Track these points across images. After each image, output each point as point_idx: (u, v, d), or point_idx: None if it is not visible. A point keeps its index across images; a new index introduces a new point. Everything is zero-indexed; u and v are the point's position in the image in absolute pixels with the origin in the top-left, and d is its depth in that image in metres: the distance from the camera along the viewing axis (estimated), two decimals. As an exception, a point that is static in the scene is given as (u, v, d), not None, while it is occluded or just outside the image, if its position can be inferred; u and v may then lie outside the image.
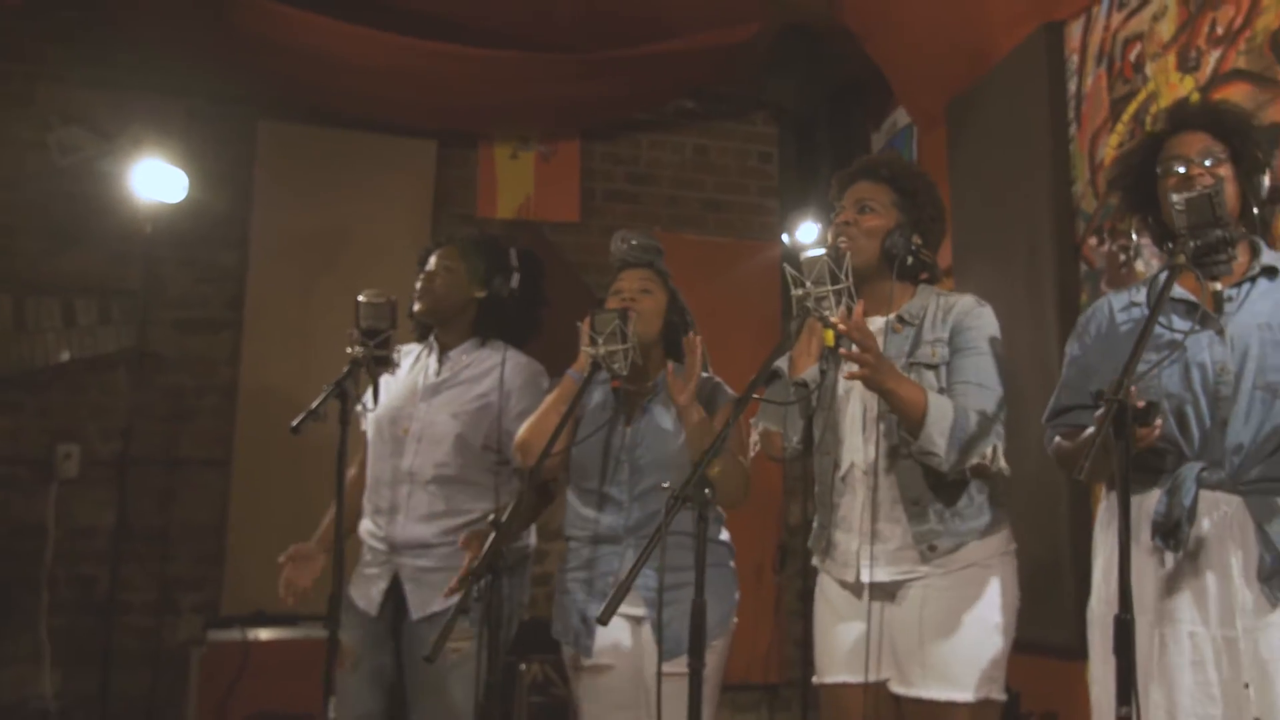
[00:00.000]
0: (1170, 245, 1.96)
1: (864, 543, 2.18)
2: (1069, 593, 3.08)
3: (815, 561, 2.33)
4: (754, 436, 2.42)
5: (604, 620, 1.85)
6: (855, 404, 2.25)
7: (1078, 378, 2.09)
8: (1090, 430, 1.94)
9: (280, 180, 4.54)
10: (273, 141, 4.57)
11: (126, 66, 4.39)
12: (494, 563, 2.11)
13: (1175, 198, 1.89)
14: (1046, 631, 3.09)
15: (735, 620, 2.61)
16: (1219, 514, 1.85)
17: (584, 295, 4.77)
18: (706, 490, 1.89)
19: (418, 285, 2.83)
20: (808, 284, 2.08)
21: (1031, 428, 3.12)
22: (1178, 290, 1.94)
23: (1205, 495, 1.86)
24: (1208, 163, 1.96)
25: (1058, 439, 2.11)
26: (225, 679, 3.64)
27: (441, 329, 2.85)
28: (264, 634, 3.90)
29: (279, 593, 2.72)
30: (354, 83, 4.39)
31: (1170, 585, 1.87)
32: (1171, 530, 1.85)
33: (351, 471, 2.80)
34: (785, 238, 4.91)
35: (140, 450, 4.20)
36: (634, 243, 2.69)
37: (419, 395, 2.78)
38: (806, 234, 4.62)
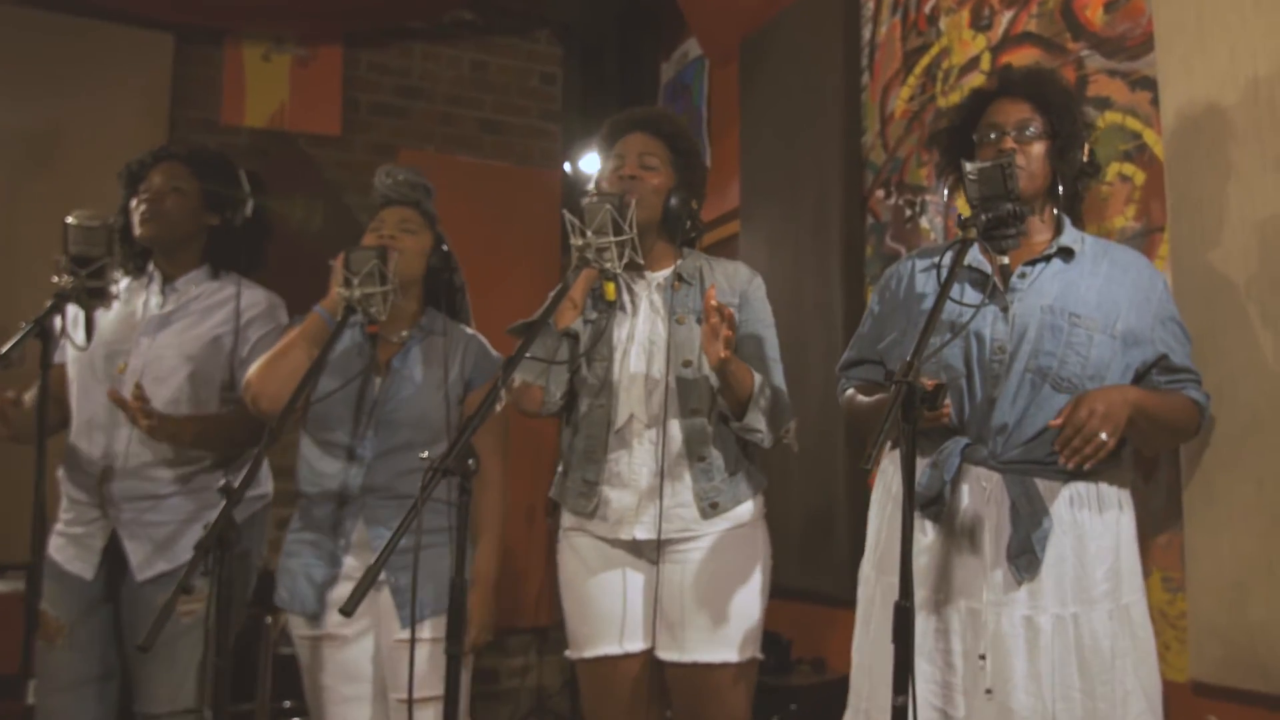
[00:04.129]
0: (962, 218, 1.91)
1: (645, 499, 2.13)
2: (842, 544, 3.12)
3: (571, 523, 2.24)
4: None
5: (348, 611, 1.66)
6: (636, 357, 2.18)
7: (873, 332, 2.13)
8: (879, 396, 2.00)
9: (-19, 67, 3.97)
10: (-29, 21, 3.97)
11: None
12: (225, 534, 1.83)
13: (969, 166, 1.85)
14: (819, 580, 3.16)
15: None
16: (979, 489, 1.87)
17: (345, 217, 4.40)
18: (470, 461, 1.73)
19: (138, 205, 2.51)
20: (589, 234, 2.01)
21: (814, 375, 3.14)
22: (976, 256, 1.94)
23: (968, 470, 1.88)
24: (1029, 131, 1.94)
25: (850, 390, 2.15)
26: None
27: (165, 257, 2.56)
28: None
29: None
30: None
31: (927, 555, 1.88)
32: (932, 501, 1.88)
33: None
34: (567, 166, 4.69)
35: None
36: (400, 178, 2.48)
37: (139, 329, 2.47)
38: (590, 164, 4.42)
